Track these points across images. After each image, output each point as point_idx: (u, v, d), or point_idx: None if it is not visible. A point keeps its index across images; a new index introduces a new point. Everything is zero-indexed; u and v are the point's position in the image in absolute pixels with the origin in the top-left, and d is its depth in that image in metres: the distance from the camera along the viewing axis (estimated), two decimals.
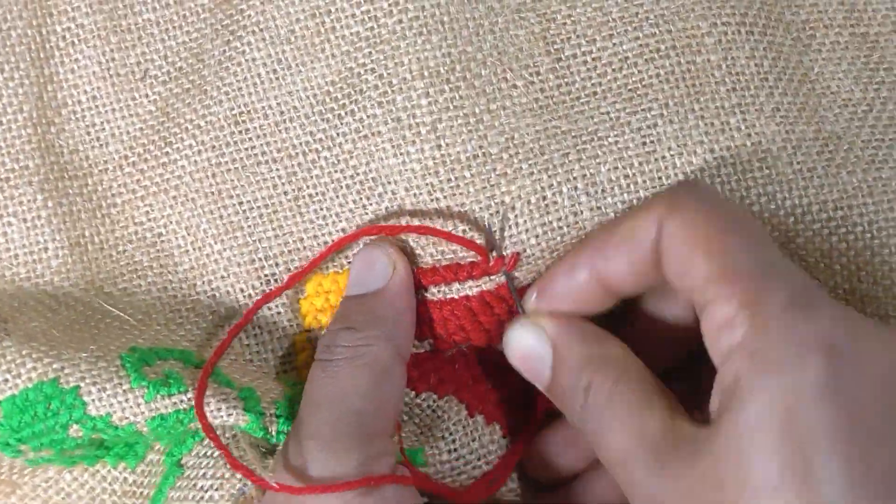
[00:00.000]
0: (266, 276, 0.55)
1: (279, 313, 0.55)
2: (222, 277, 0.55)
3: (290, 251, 0.55)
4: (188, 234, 0.56)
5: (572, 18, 0.53)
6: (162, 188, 0.56)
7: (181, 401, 0.50)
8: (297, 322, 0.56)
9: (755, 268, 0.44)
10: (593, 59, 0.53)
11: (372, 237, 0.53)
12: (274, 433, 0.51)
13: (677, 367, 0.52)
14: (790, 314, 0.43)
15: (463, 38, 0.53)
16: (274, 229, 0.55)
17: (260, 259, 0.55)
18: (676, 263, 0.46)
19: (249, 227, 0.55)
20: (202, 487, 0.51)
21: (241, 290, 0.55)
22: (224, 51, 0.55)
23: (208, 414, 0.49)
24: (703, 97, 0.53)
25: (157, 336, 0.54)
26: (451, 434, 0.54)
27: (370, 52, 0.53)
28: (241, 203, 0.55)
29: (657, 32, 0.53)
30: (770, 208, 0.52)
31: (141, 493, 0.54)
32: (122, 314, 0.55)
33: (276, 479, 0.48)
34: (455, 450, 0.54)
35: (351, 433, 0.48)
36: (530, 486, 0.57)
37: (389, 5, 0.53)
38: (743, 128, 0.53)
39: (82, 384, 0.49)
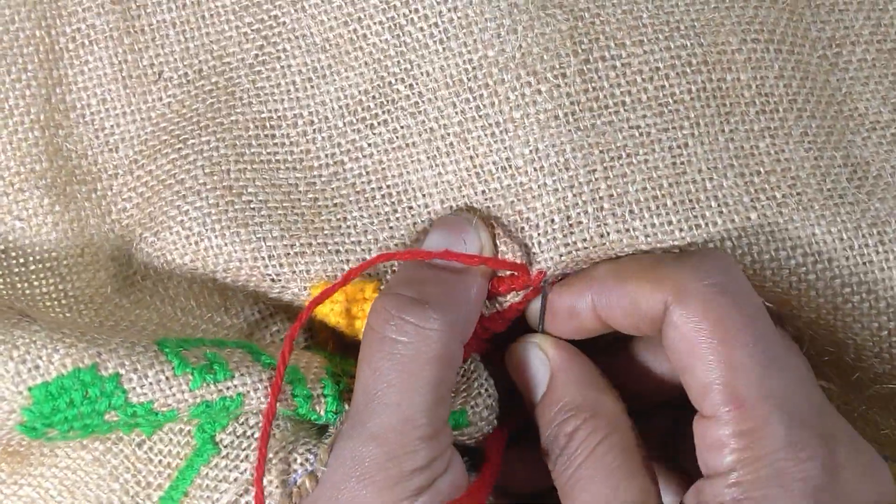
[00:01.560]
0: (269, 275, 0.54)
1: (287, 307, 0.55)
2: (224, 271, 0.54)
3: (295, 253, 0.53)
4: (183, 229, 0.54)
5: (601, 18, 0.52)
6: (167, 183, 0.55)
7: (227, 388, 0.49)
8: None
9: (756, 391, 0.45)
10: (622, 65, 0.52)
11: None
12: (323, 413, 0.50)
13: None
14: (782, 454, 0.44)
15: (483, 42, 0.52)
16: (281, 230, 0.53)
17: (263, 258, 0.53)
18: (678, 358, 0.47)
19: (255, 224, 0.54)
20: (245, 470, 0.50)
21: (242, 288, 0.54)
22: (256, 55, 0.55)
23: (255, 401, 0.49)
24: (733, 118, 0.52)
25: (170, 334, 0.53)
26: (485, 389, 0.53)
27: (399, 62, 0.53)
28: (250, 202, 0.54)
29: (688, 45, 0.52)
30: (805, 234, 0.52)
31: (160, 461, 0.52)
32: (135, 319, 0.54)
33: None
34: (491, 405, 0.54)
35: (419, 436, 0.47)
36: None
37: (410, 12, 0.53)
38: (773, 152, 0.52)
39: (122, 371, 0.48)
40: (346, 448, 0.48)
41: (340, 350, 0.55)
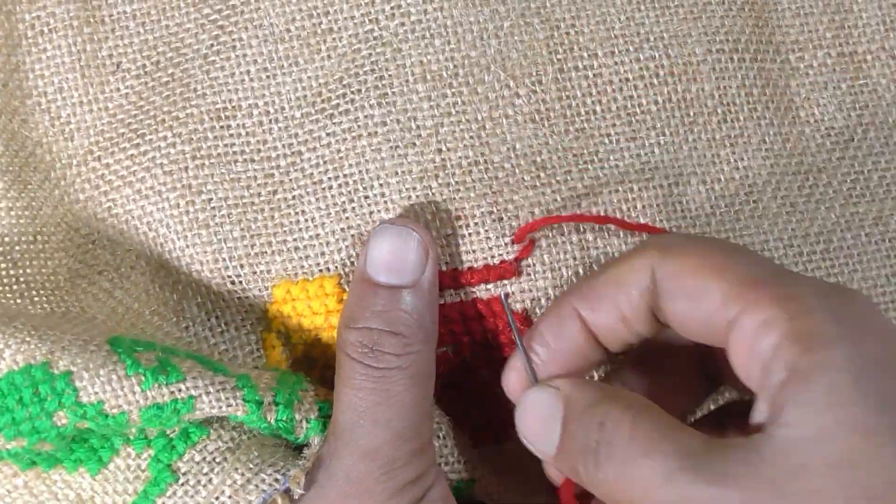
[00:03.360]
0: (230, 276, 0.54)
1: (246, 311, 0.55)
2: (184, 275, 0.55)
3: (256, 254, 0.54)
4: (149, 230, 0.55)
5: (576, 29, 0.55)
6: (127, 181, 0.55)
7: (179, 389, 0.49)
8: (265, 323, 0.56)
9: (773, 275, 0.44)
10: (594, 76, 0.55)
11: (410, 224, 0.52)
12: (273, 421, 0.50)
13: None
14: (828, 301, 0.42)
15: (466, 43, 0.54)
16: (242, 230, 0.54)
17: (224, 259, 0.54)
18: (685, 299, 0.45)
19: (216, 225, 0.54)
20: (210, 495, 0.50)
21: (206, 288, 0.55)
22: (211, 45, 0.56)
23: (206, 405, 0.49)
24: (696, 127, 0.55)
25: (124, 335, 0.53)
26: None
27: (369, 54, 0.54)
28: (210, 200, 0.54)
29: (656, 56, 0.55)
30: (759, 240, 0.55)
31: (106, 500, 0.52)
32: (87, 310, 0.54)
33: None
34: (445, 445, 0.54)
35: (409, 450, 0.49)
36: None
37: (391, 8, 0.54)
38: (732, 160, 0.56)
39: (74, 369, 0.48)
40: (337, 467, 0.49)
41: (301, 358, 0.56)
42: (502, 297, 0.53)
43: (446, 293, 0.54)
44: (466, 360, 0.56)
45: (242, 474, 0.50)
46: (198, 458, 0.51)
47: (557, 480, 0.50)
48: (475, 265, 0.54)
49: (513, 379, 0.50)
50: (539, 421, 0.48)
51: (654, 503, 0.43)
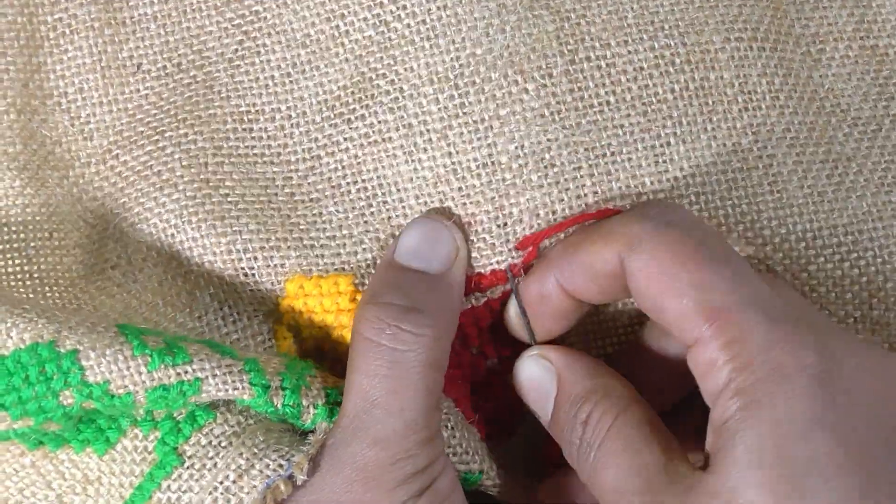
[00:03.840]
0: (243, 268, 0.54)
1: (259, 302, 0.55)
2: (197, 265, 0.55)
3: (271, 247, 0.54)
4: (160, 221, 0.55)
5: (587, 19, 0.55)
6: (143, 175, 0.56)
7: (185, 371, 0.49)
8: (277, 316, 0.56)
9: (730, 300, 0.45)
10: (607, 66, 0.54)
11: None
12: (280, 406, 0.50)
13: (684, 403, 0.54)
14: (773, 350, 0.44)
15: (471, 41, 0.54)
16: (258, 224, 0.54)
17: (238, 251, 0.54)
18: (648, 302, 0.48)
19: (232, 217, 0.54)
20: (214, 479, 0.50)
21: (218, 279, 0.55)
22: (236, 50, 0.57)
23: (212, 387, 0.49)
24: (715, 116, 0.54)
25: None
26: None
27: (382, 57, 0.55)
28: (227, 195, 0.55)
29: (672, 44, 0.55)
30: (781, 233, 0.54)
31: (112, 482, 0.52)
32: (98, 305, 0.55)
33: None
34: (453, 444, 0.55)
35: (419, 439, 0.49)
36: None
37: (398, 9, 0.54)
38: (755, 149, 0.54)
39: (81, 348, 0.48)
40: (345, 453, 0.49)
41: (312, 351, 0.56)
42: (506, 267, 0.53)
43: (472, 296, 0.55)
44: (490, 363, 0.56)
45: (247, 459, 0.50)
46: (204, 441, 0.51)
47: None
48: (483, 271, 0.54)
49: (512, 313, 0.54)
50: (535, 393, 0.52)
51: None
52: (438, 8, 0.54)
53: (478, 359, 0.56)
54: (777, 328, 0.44)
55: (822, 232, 0.54)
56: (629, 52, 0.54)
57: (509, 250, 0.53)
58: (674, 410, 0.53)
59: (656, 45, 0.54)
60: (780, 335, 0.44)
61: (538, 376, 0.51)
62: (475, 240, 0.53)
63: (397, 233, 0.54)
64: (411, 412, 0.48)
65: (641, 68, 0.54)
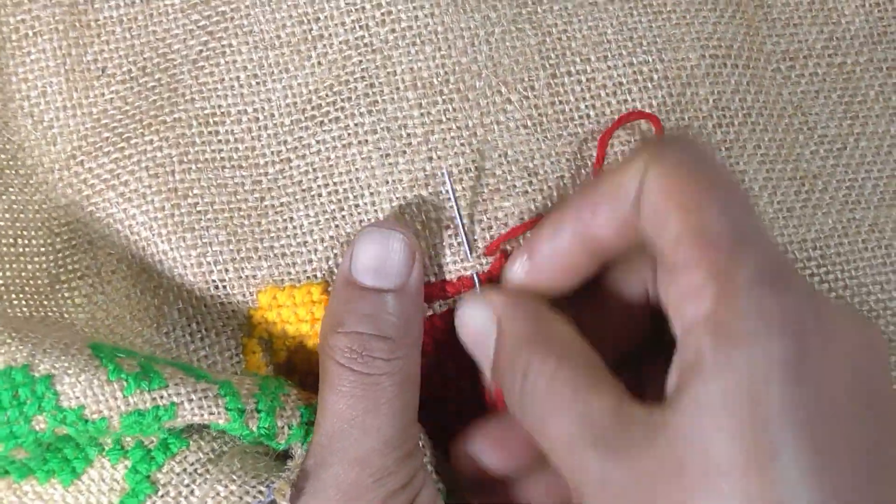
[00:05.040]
0: (213, 281, 0.54)
1: (228, 317, 0.55)
2: (167, 279, 0.55)
3: (242, 258, 0.54)
4: (131, 234, 0.55)
5: (568, 34, 0.56)
6: (110, 184, 0.55)
7: (161, 396, 0.48)
8: (247, 328, 0.55)
9: (728, 233, 0.43)
10: (587, 80, 0.56)
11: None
12: (255, 429, 0.50)
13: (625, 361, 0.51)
14: (760, 289, 0.42)
15: (457, 49, 0.55)
16: (228, 234, 0.54)
17: (208, 263, 0.54)
18: (652, 217, 0.45)
19: (201, 229, 0.54)
20: None
21: (188, 293, 0.55)
22: (201, 51, 0.56)
23: (188, 412, 0.49)
24: (691, 131, 0.56)
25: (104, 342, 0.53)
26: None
27: (360, 61, 0.55)
28: (196, 204, 0.55)
29: (650, 60, 0.56)
30: None
31: None
32: (66, 316, 0.54)
33: None
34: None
35: (398, 456, 0.49)
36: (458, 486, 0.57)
37: (382, 14, 0.55)
38: (728, 165, 0.56)
39: (55, 372, 0.47)
40: (326, 475, 0.49)
41: (283, 364, 0.56)
42: (444, 171, 0.53)
43: (435, 304, 0.55)
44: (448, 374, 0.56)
45: (226, 486, 0.50)
46: (178, 469, 0.50)
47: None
48: (465, 274, 0.54)
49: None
50: (476, 338, 0.50)
51: (559, 461, 0.45)
52: (426, 15, 0.54)
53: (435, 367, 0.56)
54: (768, 270, 0.42)
55: (792, 246, 0.56)
56: (608, 68, 0.56)
57: (478, 256, 0.54)
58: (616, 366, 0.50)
59: (635, 61, 0.56)
60: (770, 277, 0.42)
61: (479, 322, 0.50)
62: (455, 243, 0.54)
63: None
64: (389, 430, 0.49)
65: (620, 83, 0.55)
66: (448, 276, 0.54)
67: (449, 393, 0.56)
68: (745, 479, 0.39)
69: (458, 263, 0.54)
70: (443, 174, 0.53)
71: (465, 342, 0.51)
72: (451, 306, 0.54)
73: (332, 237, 0.54)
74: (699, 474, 0.40)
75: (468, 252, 0.53)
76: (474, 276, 0.53)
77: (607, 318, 0.51)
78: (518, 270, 0.51)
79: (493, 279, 0.53)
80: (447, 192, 0.53)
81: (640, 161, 0.46)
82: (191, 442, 0.51)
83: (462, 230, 0.53)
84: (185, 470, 0.50)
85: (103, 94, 0.56)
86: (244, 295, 0.54)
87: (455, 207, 0.53)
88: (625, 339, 0.51)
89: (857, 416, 0.41)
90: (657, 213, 0.45)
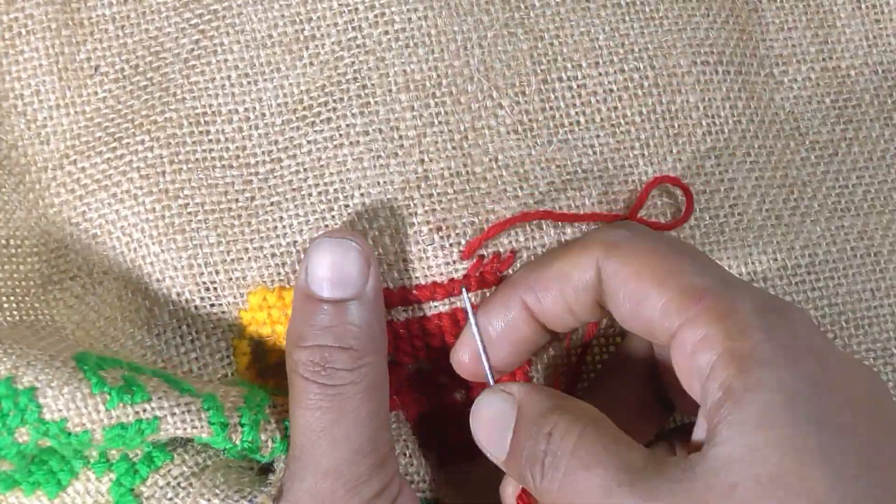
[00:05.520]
0: (205, 283, 0.54)
1: (219, 318, 0.55)
2: (157, 280, 0.55)
3: (232, 260, 0.54)
4: (123, 235, 0.55)
5: (560, 39, 0.56)
6: (103, 185, 0.55)
7: (144, 409, 0.49)
8: (238, 329, 0.56)
9: (713, 285, 0.45)
10: (578, 86, 0.56)
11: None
12: (238, 443, 0.50)
13: None
14: (766, 319, 0.44)
15: (450, 52, 0.55)
16: (218, 236, 0.54)
17: (199, 265, 0.54)
18: (627, 302, 0.47)
19: (192, 230, 0.54)
20: None
21: (178, 295, 0.55)
22: (192, 49, 0.56)
23: (171, 426, 0.49)
24: (681, 139, 0.56)
25: (94, 346, 0.53)
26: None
27: (352, 62, 0.55)
28: (186, 205, 0.55)
29: (641, 67, 0.56)
30: (742, 252, 0.56)
31: None
32: (57, 318, 0.54)
33: None
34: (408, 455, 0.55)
35: (370, 464, 0.49)
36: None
37: (375, 16, 0.55)
38: (717, 173, 0.56)
39: (38, 385, 0.47)
40: (301, 488, 0.49)
41: (273, 366, 0.56)
42: (462, 289, 0.54)
43: (427, 305, 0.55)
44: (426, 367, 0.56)
45: (208, 500, 0.50)
46: (161, 482, 0.51)
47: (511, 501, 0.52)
48: (455, 276, 0.54)
49: (465, 358, 0.53)
50: (492, 426, 0.49)
51: None
52: (419, 18, 0.55)
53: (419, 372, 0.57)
54: (765, 302, 0.44)
55: (781, 253, 0.56)
56: (599, 74, 0.56)
57: (453, 261, 0.54)
58: None
59: (626, 68, 0.56)
60: (768, 307, 0.44)
61: (498, 408, 0.49)
62: (447, 245, 0.54)
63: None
64: (358, 438, 0.49)
65: (611, 90, 0.56)
66: (439, 279, 0.54)
67: (443, 401, 0.57)
68: (805, 483, 0.40)
69: (432, 269, 0.54)
70: (462, 292, 0.53)
71: (478, 435, 0.50)
72: (424, 313, 0.55)
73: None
74: (753, 490, 0.41)
75: (490, 379, 0.52)
76: (463, 290, 0.54)
77: (616, 412, 0.51)
78: (463, 360, 0.53)
79: (468, 283, 0.54)
80: (465, 310, 0.53)
81: (591, 253, 0.48)
82: (175, 455, 0.51)
83: (484, 356, 0.52)
84: (168, 483, 0.51)
85: (96, 93, 0.56)
86: (235, 297, 0.54)
87: (478, 337, 0.52)
88: (635, 430, 0.52)
89: (881, 418, 0.43)
90: (633, 297, 0.47)
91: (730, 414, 0.42)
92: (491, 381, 0.52)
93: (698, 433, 0.46)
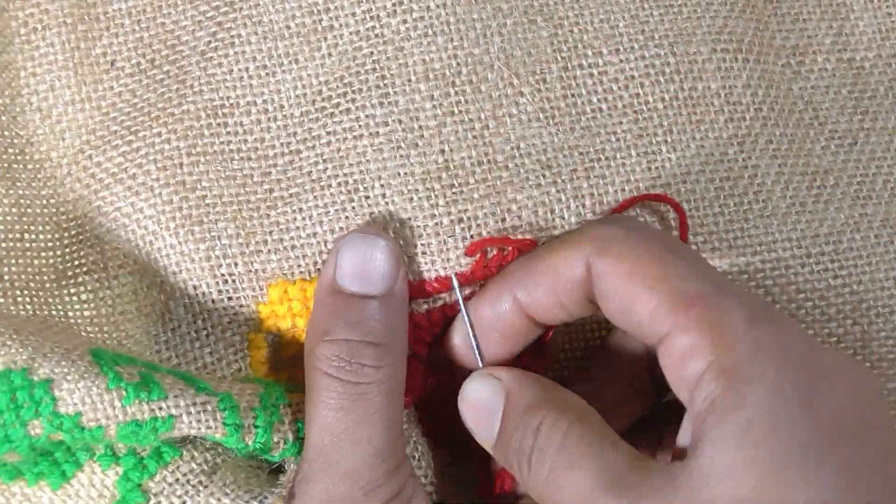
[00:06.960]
0: (223, 275, 0.54)
1: (235, 312, 0.55)
2: (174, 273, 0.54)
3: (251, 252, 0.54)
4: (139, 228, 0.55)
5: (580, 27, 0.56)
6: (118, 178, 0.55)
7: (160, 408, 0.48)
8: (254, 323, 0.55)
9: (704, 291, 0.45)
10: (599, 73, 0.56)
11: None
12: (251, 444, 0.50)
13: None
14: (754, 331, 0.44)
15: (469, 40, 0.55)
16: (237, 228, 0.54)
17: (217, 257, 0.54)
18: (618, 302, 0.47)
19: (210, 222, 0.54)
20: None
21: (195, 288, 0.55)
22: (209, 42, 0.56)
23: (186, 425, 0.49)
24: (703, 126, 0.57)
25: (107, 343, 0.53)
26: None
27: (371, 52, 0.55)
28: (204, 197, 0.54)
29: (662, 54, 0.57)
30: (767, 241, 0.56)
31: None
32: (69, 312, 0.54)
33: None
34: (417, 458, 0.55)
35: (388, 467, 0.49)
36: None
37: (393, 5, 0.55)
38: (740, 160, 0.57)
39: (55, 377, 0.47)
40: (316, 490, 0.49)
41: (288, 359, 0.56)
42: (452, 276, 0.53)
43: (448, 294, 0.55)
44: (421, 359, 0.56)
45: (219, 499, 0.50)
46: (170, 479, 0.51)
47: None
48: (428, 277, 0.54)
49: (456, 341, 0.53)
50: (480, 411, 0.50)
51: None
52: (438, 6, 0.55)
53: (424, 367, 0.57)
54: (757, 314, 0.44)
55: (805, 241, 0.56)
56: (620, 61, 0.56)
57: (457, 257, 0.54)
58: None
59: (647, 55, 0.56)
60: (761, 319, 0.44)
61: (485, 395, 0.50)
62: (469, 236, 0.53)
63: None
64: (379, 441, 0.49)
65: (632, 77, 0.56)
66: (460, 269, 0.54)
67: (443, 397, 0.57)
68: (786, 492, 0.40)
69: (437, 264, 0.54)
70: (452, 279, 0.53)
71: (466, 418, 0.51)
72: (429, 307, 0.55)
73: (341, 229, 0.54)
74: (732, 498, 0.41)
75: (479, 361, 0.52)
76: (452, 277, 0.53)
77: (604, 394, 0.52)
78: (457, 344, 0.53)
79: (471, 280, 0.54)
80: (456, 298, 0.53)
81: (581, 251, 0.48)
82: (183, 451, 0.51)
83: (473, 340, 0.52)
84: (177, 480, 0.50)
85: (112, 88, 0.56)
86: (254, 289, 0.54)
87: (467, 320, 0.52)
88: (626, 414, 0.53)
89: (864, 436, 0.42)
90: (624, 298, 0.47)
91: (712, 429, 0.42)
92: (480, 364, 0.52)
93: (683, 438, 0.46)
